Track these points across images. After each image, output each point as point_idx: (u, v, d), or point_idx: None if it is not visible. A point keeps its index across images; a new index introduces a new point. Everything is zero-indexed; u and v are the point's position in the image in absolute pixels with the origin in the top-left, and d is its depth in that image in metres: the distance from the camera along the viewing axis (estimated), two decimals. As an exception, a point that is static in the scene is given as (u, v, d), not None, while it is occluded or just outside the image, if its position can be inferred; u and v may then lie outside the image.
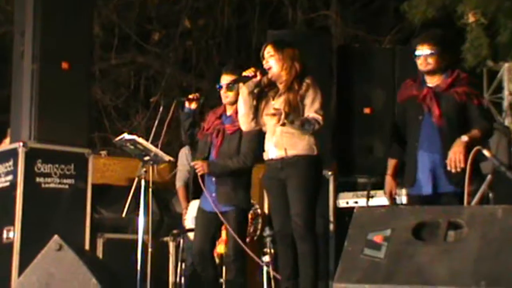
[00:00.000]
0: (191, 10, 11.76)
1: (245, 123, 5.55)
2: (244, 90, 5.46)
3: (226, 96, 5.99)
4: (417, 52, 5.26)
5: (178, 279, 6.55)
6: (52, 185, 6.91)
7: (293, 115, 5.26)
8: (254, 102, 5.50)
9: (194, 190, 6.52)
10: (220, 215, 5.79)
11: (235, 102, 5.87)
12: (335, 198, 7.63)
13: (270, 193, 5.65)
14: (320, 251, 5.56)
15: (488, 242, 3.47)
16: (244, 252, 5.81)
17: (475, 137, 4.98)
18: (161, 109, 6.36)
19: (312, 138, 5.38)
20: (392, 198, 5.44)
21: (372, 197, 7.19)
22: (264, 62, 5.46)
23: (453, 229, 3.60)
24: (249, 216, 7.01)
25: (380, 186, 7.40)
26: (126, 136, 5.93)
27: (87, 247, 6.86)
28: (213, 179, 5.92)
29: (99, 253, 7.07)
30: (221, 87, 5.98)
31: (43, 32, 7.03)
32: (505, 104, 8.70)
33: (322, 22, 11.79)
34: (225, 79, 5.97)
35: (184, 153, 7.40)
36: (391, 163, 5.45)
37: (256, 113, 5.50)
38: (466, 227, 3.57)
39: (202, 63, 12.06)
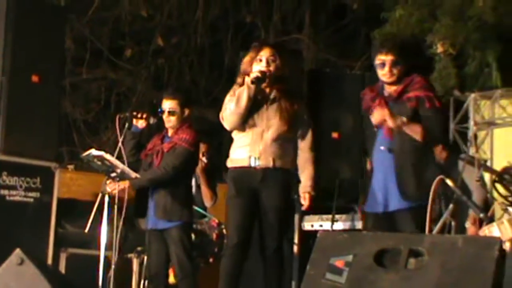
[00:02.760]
0: (165, 28, 11.76)
1: (235, 122, 5.27)
2: (252, 90, 5.18)
3: (169, 121, 6.07)
4: (379, 62, 5.00)
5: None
6: (17, 198, 6.87)
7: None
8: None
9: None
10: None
11: (176, 126, 5.96)
12: (301, 220, 7.65)
13: (238, 199, 5.25)
14: (286, 273, 5.46)
15: (448, 271, 3.49)
16: (193, 269, 5.79)
17: (414, 127, 4.85)
18: (126, 125, 6.32)
19: (294, 152, 5.26)
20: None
21: (336, 221, 7.21)
22: (264, 65, 5.22)
23: (414, 257, 3.60)
24: (214, 235, 7.03)
25: (345, 210, 7.46)
26: (93, 151, 5.92)
27: (49, 261, 6.81)
28: (152, 195, 5.95)
29: (62, 268, 7.03)
30: (162, 111, 6.03)
31: (14, 45, 7.01)
32: (470, 133, 8.76)
33: (294, 45, 11.82)
34: (166, 104, 6.04)
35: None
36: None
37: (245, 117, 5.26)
38: (426, 255, 3.58)
39: (174, 81, 12.04)
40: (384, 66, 4.97)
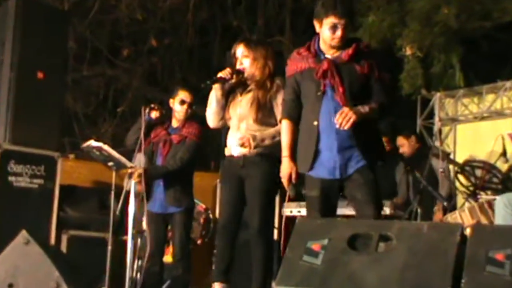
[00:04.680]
0: (158, 30, 11.73)
1: (214, 120, 5.18)
2: (218, 90, 5.09)
3: (185, 112, 5.92)
4: (330, 24, 4.32)
5: (134, 275, 6.50)
6: (23, 184, 6.84)
7: (260, 124, 4.94)
8: (226, 102, 5.15)
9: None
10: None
11: (186, 118, 5.90)
12: (281, 207, 7.63)
13: (225, 185, 5.18)
14: (272, 255, 5.12)
15: (414, 254, 3.50)
16: (190, 251, 5.77)
17: (371, 107, 4.28)
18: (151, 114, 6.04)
19: (276, 137, 4.95)
20: (290, 184, 4.53)
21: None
22: (238, 63, 5.08)
23: (383, 241, 3.61)
24: (202, 220, 7.02)
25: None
26: (93, 142, 5.87)
27: (52, 242, 6.79)
28: (161, 183, 5.90)
29: (64, 248, 7.01)
30: (183, 102, 5.90)
31: (22, 43, 6.97)
32: (436, 129, 8.80)
33: (276, 46, 11.81)
34: (185, 95, 5.93)
35: (138, 158, 7.36)
36: (286, 143, 4.55)
37: (224, 111, 5.16)
38: (395, 240, 3.59)
39: (166, 78, 12.02)
40: (336, 29, 4.31)
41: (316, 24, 4.43)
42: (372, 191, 4.39)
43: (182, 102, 5.93)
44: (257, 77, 5.04)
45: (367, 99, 4.35)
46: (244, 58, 5.06)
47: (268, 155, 4.96)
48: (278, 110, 4.90)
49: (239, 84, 5.13)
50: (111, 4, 11.28)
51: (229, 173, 5.12)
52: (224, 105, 5.15)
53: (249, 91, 5.07)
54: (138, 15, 11.22)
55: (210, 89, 5.16)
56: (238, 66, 5.07)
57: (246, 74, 5.07)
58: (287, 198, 4.68)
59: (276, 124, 4.96)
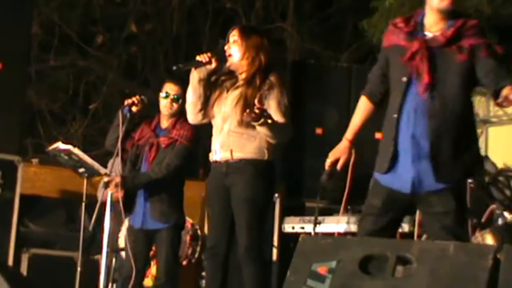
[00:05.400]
0: (139, 14, 11.73)
1: (191, 113, 5.21)
2: (195, 75, 5.11)
3: (170, 108, 5.89)
4: None
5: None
6: (-25, 194, 6.84)
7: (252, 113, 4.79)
8: (205, 92, 5.12)
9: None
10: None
11: (175, 116, 5.83)
12: (281, 222, 7.63)
13: (211, 199, 5.22)
14: (266, 278, 5.12)
15: (438, 280, 3.48)
16: (176, 273, 5.74)
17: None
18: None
19: (263, 140, 4.99)
20: (330, 173, 4.43)
21: (319, 223, 7.18)
22: (226, 47, 5.10)
23: (402, 264, 3.59)
24: (188, 237, 7.01)
25: (329, 211, 7.45)
26: (60, 145, 5.86)
27: (10, 262, 6.77)
28: (145, 193, 5.86)
29: (24, 269, 7.00)
30: (166, 95, 5.89)
31: (-25, 28, 6.97)
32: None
33: (277, 34, 11.83)
34: (171, 88, 5.90)
35: (117, 162, 7.32)
36: (353, 123, 4.41)
37: (206, 103, 5.15)
38: (415, 263, 3.57)
39: (147, 71, 12.02)
40: None
41: None
42: (454, 227, 4.15)
43: (167, 95, 5.90)
44: (244, 69, 5.06)
45: (465, 92, 4.15)
46: (234, 44, 5.08)
47: (253, 161, 4.99)
48: (272, 111, 4.92)
49: (227, 77, 5.15)
50: (84, -18, 11.30)
51: (213, 184, 5.14)
52: (203, 96, 5.14)
53: (237, 87, 5.08)
54: (116, -5, 11.25)
55: None
56: (202, 59, 5.08)
57: (229, 63, 5.10)
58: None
59: None
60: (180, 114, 5.88)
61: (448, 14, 4.13)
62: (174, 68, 5.22)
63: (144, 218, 5.86)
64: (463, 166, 4.16)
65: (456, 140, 4.13)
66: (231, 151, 5.00)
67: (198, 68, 5.10)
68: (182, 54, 12.07)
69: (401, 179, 4.17)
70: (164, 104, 5.91)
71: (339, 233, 6.93)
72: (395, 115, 4.15)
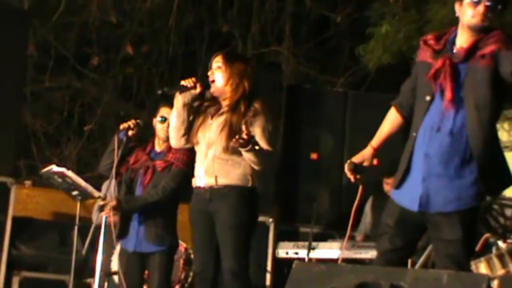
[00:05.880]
0: (135, 36, 11.74)
1: (174, 138, 5.26)
2: (179, 100, 5.15)
3: (168, 131, 5.91)
4: None
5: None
6: (-34, 216, 6.81)
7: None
8: (189, 117, 5.17)
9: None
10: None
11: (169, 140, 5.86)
12: (275, 247, 7.62)
13: (195, 226, 5.26)
14: None
15: (431, 309, 3.48)
16: None
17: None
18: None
19: (248, 167, 5.05)
20: (354, 176, 4.29)
21: (314, 248, 7.19)
22: (209, 73, 5.16)
23: (395, 293, 3.59)
24: (181, 261, 6.99)
25: (323, 237, 7.44)
26: (54, 168, 5.85)
27: (1, 285, 6.74)
28: (140, 217, 5.86)
29: (15, 293, 6.96)
30: (163, 119, 5.91)
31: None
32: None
33: (273, 57, 11.86)
34: (167, 112, 5.91)
35: (108, 186, 7.30)
36: (380, 131, 4.36)
37: (190, 128, 5.19)
38: (409, 292, 3.57)
39: (143, 92, 12.01)
40: (478, 3, 4.01)
41: (456, 7, 4.15)
42: (459, 256, 4.06)
43: (163, 119, 5.93)
44: (227, 95, 5.11)
45: (494, 105, 4.05)
46: (217, 70, 5.14)
47: (237, 187, 5.05)
48: (258, 138, 4.97)
49: (211, 103, 5.20)
50: (80, 4, 11.30)
51: (197, 211, 5.20)
52: (187, 121, 5.18)
53: (221, 114, 5.13)
54: (112, 17, 11.24)
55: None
56: (186, 84, 5.13)
57: (213, 89, 5.15)
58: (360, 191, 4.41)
59: None
60: None
61: (481, 32, 4.07)
62: (159, 92, 5.31)
63: (138, 241, 5.85)
64: (477, 192, 4.06)
65: (474, 161, 4.03)
66: (216, 177, 5.06)
67: (183, 92, 5.14)
68: (178, 76, 12.07)
69: (410, 196, 4.12)
70: (161, 128, 5.94)
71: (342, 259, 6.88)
72: (414, 134, 4.14)
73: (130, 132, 5.84)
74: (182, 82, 5.13)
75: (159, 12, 11.64)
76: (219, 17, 11.72)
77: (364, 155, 4.30)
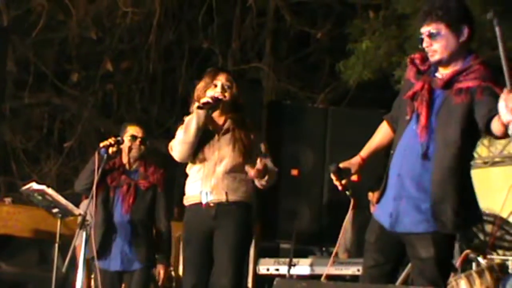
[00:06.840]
0: (114, 52, 11.75)
1: (185, 153, 5.08)
2: (202, 117, 5.04)
3: (139, 149, 6.03)
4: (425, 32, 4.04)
5: None
6: None
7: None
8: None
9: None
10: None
11: (143, 156, 6.02)
12: (255, 263, 7.62)
13: (190, 243, 5.14)
14: None
15: (412, 325, 3.50)
16: None
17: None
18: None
19: (250, 184, 5.08)
20: (338, 179, 4.23)
21: (294, 265, 7.20)
22: (219, 91, 5.09)
23: (376, 309, 3.62)
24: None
25: (304, 253, 7.46)
26: (34, 185, 5.84)
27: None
28: (127, 236, 5.89)
29: (-6, 311, 6.94)
30: (135, 138, 5.99)
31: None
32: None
33: (253, 74, 11.89)
34: (136, 131, 6.04)
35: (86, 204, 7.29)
36: (370, 143, 4.37)
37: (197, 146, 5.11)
38: (390, 308, 3.60)
39: (123, 109, 12.02)
40: (422, 40, 4.06)
41: None
42: (432, 273, 4.03)
43: (134, 138, 5.99)
44: (235, 112, 5.16)
45: (464, 138, 3.97)
46: (229, 88, 5.14)
47: (243, 204, 5.06)
48: (264, 153, 5.09)
49: (212, 120, 5.17)
50: (59, 20, 11.29)
51: (195, 228, 5.12)
52: (199, 138, 5.09)
53: (227, 130, 5.12)
54: (92, 33, 11.24)
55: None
56: (219, 95, 5.07)
57: (220, 105, 5.13)
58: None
59: None
60: (145, 155, 6.08)
61: (461, 53, 4.05)
62: (199, 106, 5.04)
63: (126, 260, 5.88)
64: (448, 219, 3.99)
65: (446, 189, 3.99)
66: (226, 193, 5.02)
67: (204, 108, 5.05)
68: (158, 93, 12.11)
69: (383, 212, 4.14)
70: (133, 146, 6.01)
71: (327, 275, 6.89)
72: (392, 151, 4.15)
73: (110, 150, 5.84)
74: (215, 94, 5.05)
75: (139, 28, 11.67)
76: (199, 33, 11.75)
77: (351, 162, 4.28)
